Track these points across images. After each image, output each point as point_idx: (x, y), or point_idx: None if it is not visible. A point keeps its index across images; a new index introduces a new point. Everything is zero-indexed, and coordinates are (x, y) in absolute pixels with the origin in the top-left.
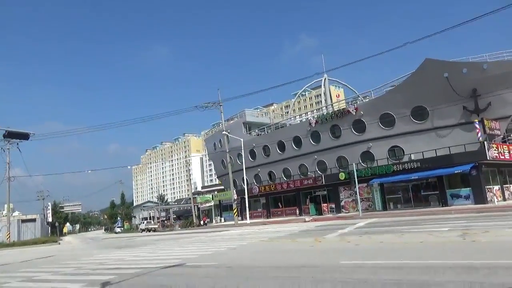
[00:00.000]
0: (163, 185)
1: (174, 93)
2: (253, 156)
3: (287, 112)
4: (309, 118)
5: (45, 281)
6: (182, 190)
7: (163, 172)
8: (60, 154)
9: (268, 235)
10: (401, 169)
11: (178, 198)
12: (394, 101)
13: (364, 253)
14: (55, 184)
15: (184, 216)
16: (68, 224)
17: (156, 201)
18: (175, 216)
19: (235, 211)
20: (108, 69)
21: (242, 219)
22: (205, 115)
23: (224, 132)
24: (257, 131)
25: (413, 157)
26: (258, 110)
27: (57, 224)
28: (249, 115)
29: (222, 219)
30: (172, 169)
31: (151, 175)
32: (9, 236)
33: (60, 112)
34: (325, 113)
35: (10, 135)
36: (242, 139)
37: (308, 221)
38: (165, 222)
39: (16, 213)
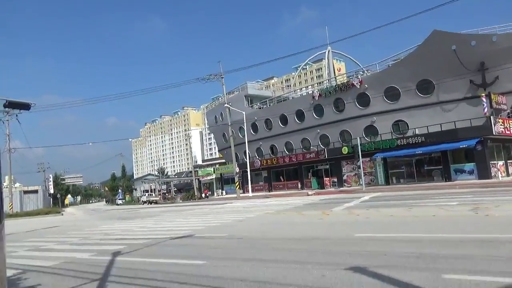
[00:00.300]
0: (163, 159)
1: (171, 67)
2: (255, 130)
3: (288, 86)
4: (312, 92)
5: (52, 250)
6: (182, 164)
7: (162, 146)
8: (58, 128)
9: (273, 208)
10: (405, 143)
11: (178, 171)
12: (399, 74)
13: (375, 226)
14: (54, 157)
15: (185, 189)
16: (69, 196)
17: (156, 174)
18: (175, 189)
19: (237, 184)
20: (105, 41)
21: (243, 192)
22: (205, 88)
23: (226, 105)
24: (258, 104)
25: (417, 131)
26: (259, 83)
27: (58, 195)
28: (251, 88)
29: (224, 192)
30: (172, 143)
31: (150, 149)
32: (12, 207)
33: (57, 87)
34: (328, 87)
35: (11, 105)
36: (244, 112)
37: (311, 195)
38: (166, 194)
39: (17, 185)
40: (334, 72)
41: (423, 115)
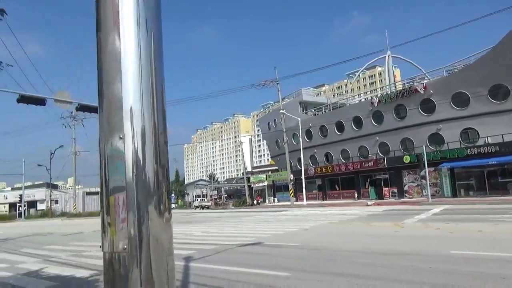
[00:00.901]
0: (213, 165)
1: (220, 75)
2: (309, 137)
3: (341, 93)
4: (371, 98)
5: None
6: (232, 170)
7: (213, 152)
8: None
9: (335, 218)
10: (475, 153)
11: (228, 177)
12: (469, 79)
13: (468, 243)
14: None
15: (236, 195)
16: None
17: (207, 179)
18: (226, 195)
19: (291, 192)
20: None
21: (296, 200)
22: (255, 96)
23: (281, 111)
24: (313, 110)
25: (490, 140)
26: (314, 90)
27: None
28: (306, 94)
29: (276, 199)
30: (222, 149)
31: (201, 155)
32: (75, 207)
33: None
34: (389, 92)
35: (82, 108)
36: (299, 119)
37: (371, 205)
38: (217, 200)
39: (78, 186)
40: (394, 78)
41: (496, 122)
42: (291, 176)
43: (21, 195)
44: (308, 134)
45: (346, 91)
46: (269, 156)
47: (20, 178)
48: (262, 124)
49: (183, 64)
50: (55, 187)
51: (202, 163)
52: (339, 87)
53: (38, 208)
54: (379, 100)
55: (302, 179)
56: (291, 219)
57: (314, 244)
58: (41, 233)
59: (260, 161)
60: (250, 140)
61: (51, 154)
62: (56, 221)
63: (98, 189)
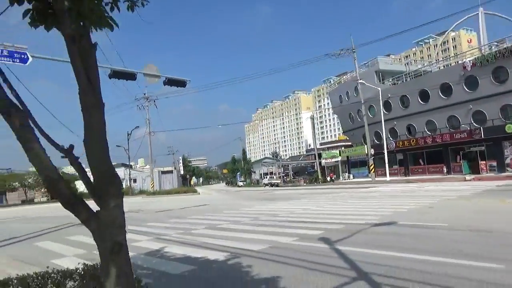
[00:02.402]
0: (275, 143)
1: (277, 54)
2: (387, 108)
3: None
4: (463, 62)
5: (234, 230)
6: (294, 148)
7: (274, 130)
8: (179, 115)
9: (446, 194)
10: None
11: (291, 155)
12: None
13: None
14: (175, 142)
15: (303, 172)
16: (193, 177)
17: (271, 157)
18: (292, 172)
19: (372, 167)
20: (216, 34)
21: (375, 176)
22: (315, 71)
23: (360, 80)
24: (391, 80)
25: None
26: (391, 58)
27: (188, 176)
28: (383, 62)
29: (351, 175)
30: (283, 127)
31: (262, 133)
32: (153, 185)
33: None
34: (486, 54)
35: (170, 82)
36: (379, 89)
37: (469, 180)
38: (285, 178)
39: (147, 166)
40: (478, 42)
41: None
42: (372, 151)
43: None
44: (387, 105)
45: (415, 60)
46: (334, 132)
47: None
48: (333, 97)
49: (240, 43)
50: (129, 167)
51: (263, 142)
52: (406, 56)
53: None
54: (473, 63)
55: (383, 154)
56: (391, 195)
57: (467, 224)
58: (131, 210)
59: (323, 138)
60: (312, 116)
61: (128, 135)
62: (137, 198)
63: (171, 168)
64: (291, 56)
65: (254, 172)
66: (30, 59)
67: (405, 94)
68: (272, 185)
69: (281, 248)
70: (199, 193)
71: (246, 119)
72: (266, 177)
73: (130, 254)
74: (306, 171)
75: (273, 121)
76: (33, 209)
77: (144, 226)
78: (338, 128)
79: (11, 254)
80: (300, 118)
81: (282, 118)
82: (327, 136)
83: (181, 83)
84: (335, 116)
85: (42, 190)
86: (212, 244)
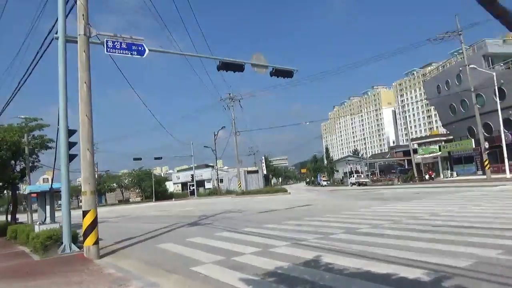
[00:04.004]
0: (354, 140)
1: (350, 48)
2: (501, 96)
3: None
4: None
5: (377, 235)
6: (374, 145)
7: (352, 128)
8: (250, 116)
9: None
10: None
11: (372, 153)
12: None
13: None
14: (251, 142)
15: (389, 170)
16: (273, 177)
17: (352, 155)
18: (378, 170)
19: (486, 163)
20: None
21: (483, 174)
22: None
23: (471, 66)
24: (502, 64)
25: None
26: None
27: (270, 176)
28: (492, 45)
29: (454, 173)
30: (362, 124)
31: (340, 131)
32: (240, 185)
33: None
34: None
35: (277, 72)
36: (494, 73)
37: None
38: (371, 176)
39: (225, 167)
40: None
41: None
42: (486, 144)
43: (192, 175)
44: (500, 93)
45: None
46: (421, 128)
47: (183, 160)
48: (429, 88)
49: (313, 40)
50: (216, 168)
51: (341, 140)
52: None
53: (206, 187)
54: None
55: (496, 148)
56: None
57: None
58: (231, 209)
59: (405, 134)
60: (394, 112)
61: (214, 136)
62: (227, 198)
63: (256, 168)
64: (365, 52)
65: (337, 171)
66: (147, 51)
67: None
68: (359, 184)
69: (491, 264)
70: (289, 193)
71: (322, 117)
72: (353, 176)
73: (283, 263)
74: (393, 169)
75: (352, 119)
76: (131, 209)
77: (264, 228)
78: (429, 122)
79: (139, 257)
80: (380, 114)
81: (361, 115)
82: (414, 132)
83: (288, 74)
84: (421, 110)
85: (137, 190)
86: (382, 255)
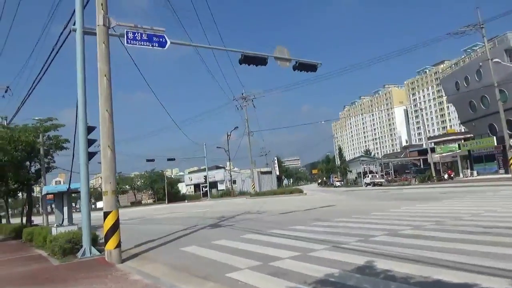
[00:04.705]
0: (365, 141)
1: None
2: None
3: None
4: None
5: (424, 237)
6: (386, 145)
7: (363, 127)
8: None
9: None
10: None
11: (384, 153)
12: None
13: None
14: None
15: (403, 170)
16: (285, 178)
17: (364, 155)
18: (392, 170)
19: (511, 160)
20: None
21: (506, 173)
22: (406, 64)
23: (495, 60)
24: None
25: None
26: None
27: (283, 177)
28: None
29: (474, 172)
30: (373, 123)
31: (351, 131)
32: (254, 186)
33: (259, 83)
34: None
35: (300, 66)
36: None
37: None
38: (386, 176)
39: (235, 168)
40: None
41: None
42: (511, 142)
43: (205, 176)
44: None
45: None
46: (434, 126)
47: (193, 161)
48: (447, 85)
49: (322, 38)
50: (230, 169)
51: (352, 140)
52: None
53: (218, 188)
54: None
55: None
56: None
57: None
58: (249, 210)
59: (419, 134)
60: (406, 111)
61: (227, 136)
62: (241, 199)
63: (269, 169)
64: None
65: (350, 171)
66: (168, 42)
67: None
68: (375, 184)
69: None
70: (305, 194)
71: (332, 117)
72: (368, 176)
73: (331, 270)
74: (407, 169)
75: (363, 118)
76: (145, 210)
77: (292, 230)
78: (442, 121)
79: (165, 261)
80: (392, 113)
81: (372, 115)
82: (428, 131)
83: (312, 67)
84: (434, 109)
85: (149, 192)
86: (444, 260)
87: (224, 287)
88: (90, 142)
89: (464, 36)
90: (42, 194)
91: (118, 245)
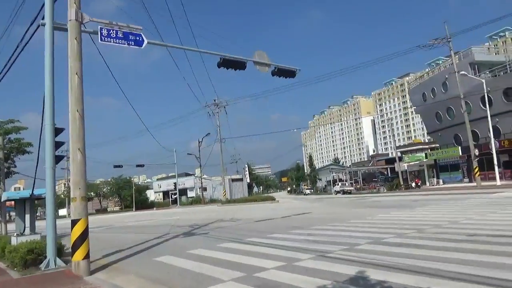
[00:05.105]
0: (334, 149)
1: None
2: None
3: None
4: None
5: (411, 246)
6: (354, 154)
7: (332, 137)
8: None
9: None
10: None
11: (352, 161)
12: None
13: None
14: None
15: (371, 178)
16: (254, 185)
17: (334, 164)
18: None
19: (476, 170)
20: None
21: (470, 181)
22: (373, 75)
23: (462, 72)
24: (488, 72)
25: None
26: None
27: (253, 184)
28: (479, 53)
29: (440, 181)
30: (342, 133)
31: (320, 140)
32: (225, 194)
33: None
34: None
35: (279, 71)
36: (483, 80)
37: None
38: (354, 185)
39: (204, 176)
40: None
41: None
42: (476, 151)
43: (175, 183)
44: (484, 100)
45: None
46: (400, 136)
47: (162, 168)
48: (414, 96)
49: (291, 50)
50: (201, 176)
51: (321, 149)
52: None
53: (188, 196)
54: None
55: (489, 155)
56: None
57: None
58: (222, 218)
59: (385, 143)
60: (373, 121)
61: (199, 143)
62: (212, 207)
63: (241, 176)
64: (346, 60)
65: (320, 179)
66: (145, 41)
67: (511, 86)
68: (344, 192)
69: None
70: (278, 201)
71: (302, 126)
72: (337, 184)
73: (323, 281)
74: (374, 177)
75: (332, 127)
76: (111, 218)
77: (271, 239)
78: (407, 132)
79: (138, 273)
80: (360, 123)
81: (341, 124)
82: (395, 140)
83: (290, 73)
84: (400, 119)
85: (116, 199)
86: (437, 270)
87: None
88: (57, 145)
89: (432, 49)
90: (1, 200)
91: (87, 256)
